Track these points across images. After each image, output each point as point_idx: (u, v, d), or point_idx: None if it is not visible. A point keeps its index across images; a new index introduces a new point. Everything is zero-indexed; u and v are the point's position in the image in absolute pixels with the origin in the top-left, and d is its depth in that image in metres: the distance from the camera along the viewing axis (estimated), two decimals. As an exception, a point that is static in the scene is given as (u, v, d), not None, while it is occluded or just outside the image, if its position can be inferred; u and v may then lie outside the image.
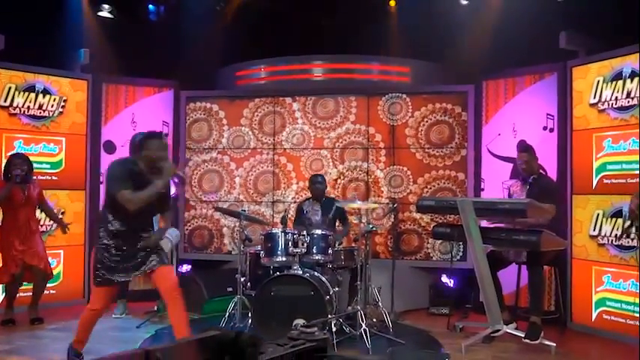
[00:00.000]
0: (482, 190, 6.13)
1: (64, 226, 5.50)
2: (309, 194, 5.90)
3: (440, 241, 6.15)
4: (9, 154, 5.51)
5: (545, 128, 5.71)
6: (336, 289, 4.88)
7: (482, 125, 6.16)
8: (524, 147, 5.27)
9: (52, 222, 5.90)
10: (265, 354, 1.55)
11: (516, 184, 5.22)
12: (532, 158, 5.08)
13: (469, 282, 5.68)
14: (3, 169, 5.32)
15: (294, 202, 6.39)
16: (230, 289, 5.61)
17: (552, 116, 5.67)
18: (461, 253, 6.11)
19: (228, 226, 6.74)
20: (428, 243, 6.33)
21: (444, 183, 6.29)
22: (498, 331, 4.76)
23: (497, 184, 5.97)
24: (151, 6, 7.19)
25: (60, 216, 5.99)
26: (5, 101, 5.83)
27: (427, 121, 6.36)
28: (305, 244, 4.84)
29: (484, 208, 4.82)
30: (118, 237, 3.88)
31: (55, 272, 5.80)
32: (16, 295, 5.37)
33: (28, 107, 5.97)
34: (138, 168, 3.91)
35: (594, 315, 5.21)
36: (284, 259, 4.87)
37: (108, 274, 3.89)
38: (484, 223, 5.12)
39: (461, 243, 5.82)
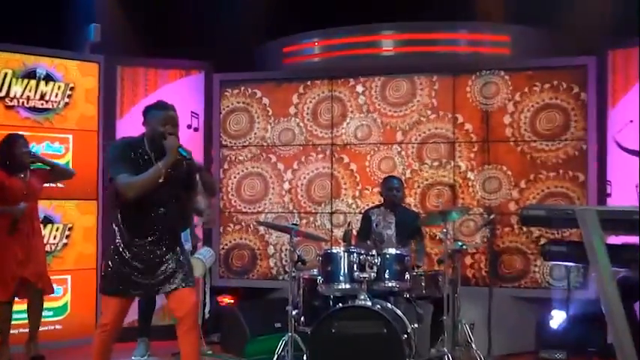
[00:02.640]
0: (609, 195, 6.00)
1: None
2: (378, 201, 5.89)
3: (552, 264, 6.00)
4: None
5: (696, 112, 5.55)
6: (416, 325, 4.87)
7: (607, 109, 6.03)
8: None
9: (56, 240, 6.11)
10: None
11: None
12: None
13: (592, 317, 5.54)
14: None
15: (360, 212, 6.36)
16: (279, 325, 5.65)
17: None
18: (581, 280, 6.00)
19: (275, 245, 6.78)
20: (536, 266, 6.23)
21: (557, 187, 6.19)
22: (635, 384, 4.61)
23: (630, 187, 5.84)
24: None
25: (68, 232, 6.21)
26: (0, 91, 5.99)
27: (533, 106, 6.26)
28: (375, 268, 4.82)
29: (614, 220, 4.65)
30: (129, 236, 3.90)
31: (60, 303, 5.94)
32: (9, 324, 5.31)
33: (28, 97, 6.13)
34: (142, 149, 3.92)
35: None
36: (348, 286, 4.87)
37: (118, 281, 3.91)
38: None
39: (581, 266, 5.67)
